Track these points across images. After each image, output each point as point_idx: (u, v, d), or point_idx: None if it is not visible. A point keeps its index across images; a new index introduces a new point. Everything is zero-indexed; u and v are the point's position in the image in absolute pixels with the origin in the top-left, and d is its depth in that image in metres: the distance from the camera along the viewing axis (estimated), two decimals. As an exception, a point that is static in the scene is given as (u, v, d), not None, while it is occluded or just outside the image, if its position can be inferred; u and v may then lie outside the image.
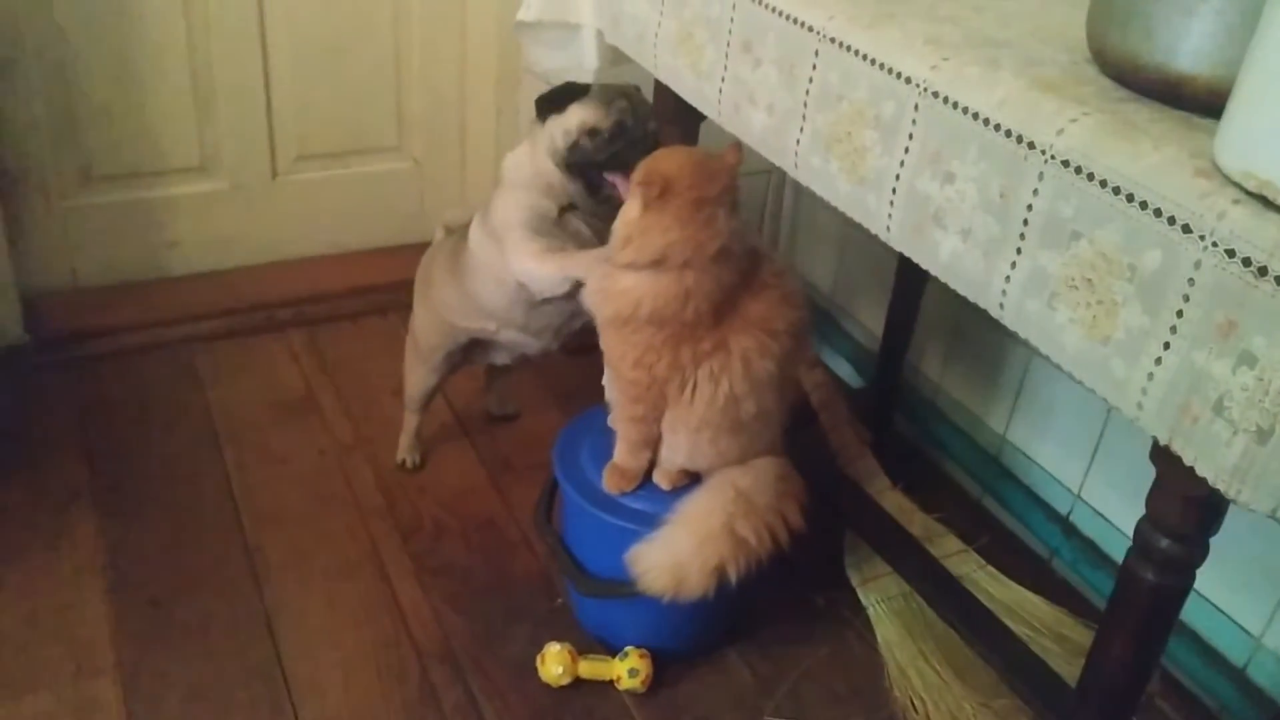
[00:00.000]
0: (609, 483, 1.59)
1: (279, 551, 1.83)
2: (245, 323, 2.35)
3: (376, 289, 2.47)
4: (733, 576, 1.49)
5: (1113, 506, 1.80)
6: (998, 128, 1.02)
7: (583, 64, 1.74)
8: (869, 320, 2.27)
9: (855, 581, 1.83)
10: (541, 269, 1.66)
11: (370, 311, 2.45)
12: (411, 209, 2.61)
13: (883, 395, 2.14)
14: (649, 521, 1.54)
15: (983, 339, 1.99)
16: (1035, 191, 0.99)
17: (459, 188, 2.64)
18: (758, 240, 1.50)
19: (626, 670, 1.62)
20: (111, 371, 2.20)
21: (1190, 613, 1.66)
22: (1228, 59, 0.93)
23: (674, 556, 1.48)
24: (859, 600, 1.81)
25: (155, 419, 2.09)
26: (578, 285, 1.60)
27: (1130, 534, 1.73)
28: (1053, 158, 0.97)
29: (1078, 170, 0.95)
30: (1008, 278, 1.03)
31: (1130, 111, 0.97)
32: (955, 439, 2.08)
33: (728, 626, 1.73)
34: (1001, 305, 1.04)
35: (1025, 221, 1.00)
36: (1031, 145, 0.99)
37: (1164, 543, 1.02)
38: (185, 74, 2.27)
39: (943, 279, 1.11)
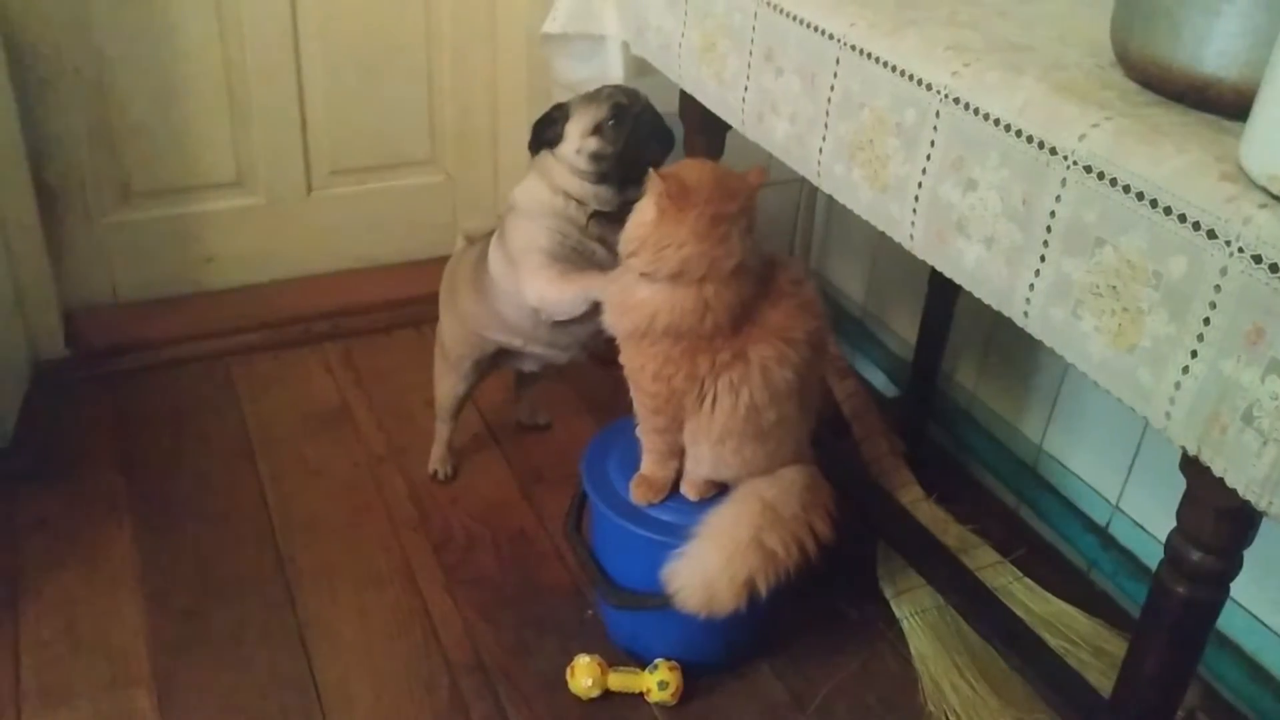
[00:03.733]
0: (636, 494, 1.59)
1: (312, 562, 1.84)
2: (281, 336, 2.37)
3: (409, 302, 2.48)
4: (762, 589, 1.48)
5: (1152, 517, 1.76)
6: (1019, 134, 1.01)
7: (608, 75, 1.75)
8: (902, 329, 2.24)
9: (888, 594, 1.81)
10: (559, 293, 1.67)
11: (404, 324, 2.46)
12: (444, 222, 2.62)
13: (916, 405, 2.12)
14: (677, 533, 1.53)
15: (1017, 347, 1.96)
16: (1058, 198, 0.97)
17: (491, 200, 2.64)
18: (772, 249, 1.49)
19: (656, 683, 1.61)
20: (149, 385, 2.23)
21: (1234, 627, 1.63)
22: (1255, 60, 0.91)
23: (703, 574, 1.47)
24: (892, 612, 1.79)
25: (192, 431, 2.12)
26: (595, 307, 1.60)
27: (1170, 545, 1.70)
28: (1075, 163, 0.95)
29: (1100, 176, 0.93)
30: (1031, 286, 1.01)
31: (1155, 115, 0.96)
32: (990, 449, 2.05)
33: (759, 639, 1.72)
34: (1026, 314, 1.03)
35: (1048, 229, 0.99)
36: (1053, 151, 0.97)
37: (1196, 555, 0.99)
38: (221, 90, 2.30)
39: (967, 287, 1.10)
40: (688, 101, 1.65)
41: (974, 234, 1.07)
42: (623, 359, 1.52)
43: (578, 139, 1.67)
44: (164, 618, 1.72)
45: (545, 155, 1.70)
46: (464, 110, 2.53)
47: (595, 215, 1.70)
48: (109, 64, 2.18)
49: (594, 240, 1.71)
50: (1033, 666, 1.53)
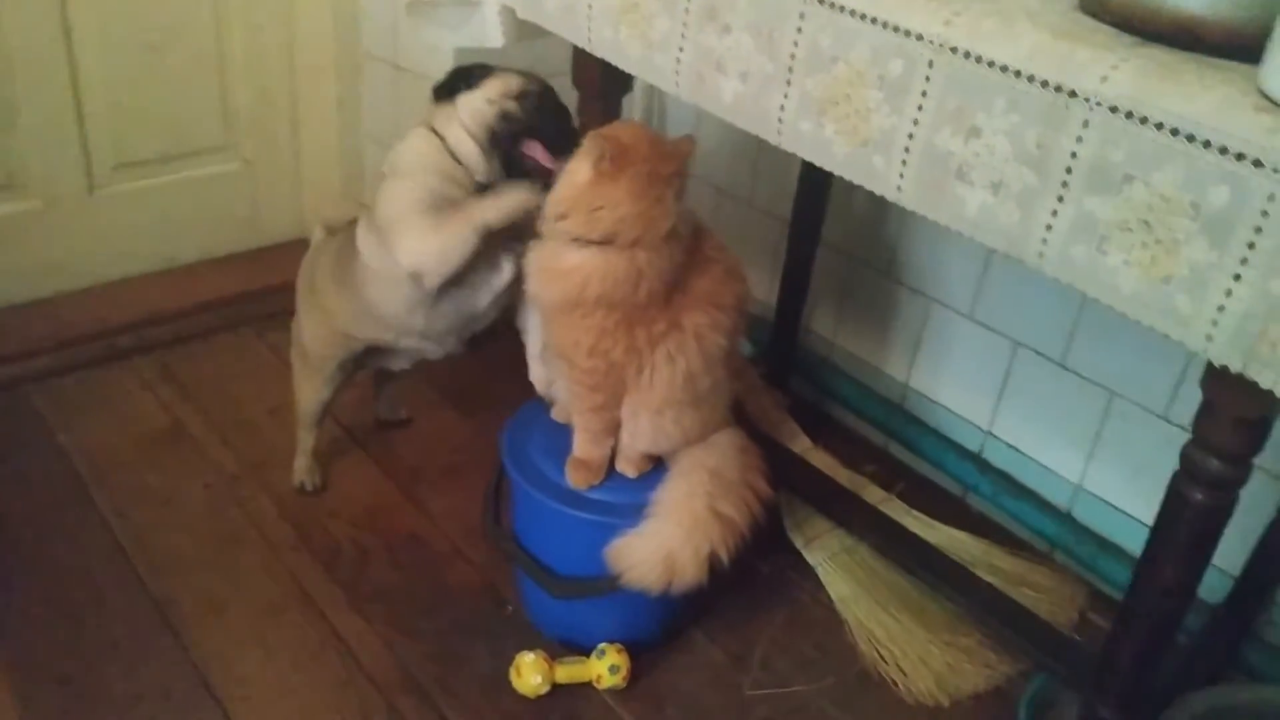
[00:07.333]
0: (574, 478, 1.53)
1: (191, 601, 1.66)
2: (82, 354, 2.11)
3: (220, 303, 2.28)
4: (725, 558, 1.47)
5: (1025, 438, 1.89)
6: (1030, 79, 1.03)
7: (485, 42, 1.65)
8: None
9: (798, 543, 1.84)
10: (441, 239, 1.55)
11: (220, 328, 2.25)
12: (245, 213, 2.41)
13: (778, 359, 2.16)
14: (618, 512, 1.49)
15: (875, 293, 2.04)
16: (1079, 139, 1.01)
17: (294, 186, 2.46)
18: (698, 218, 1.47)
19: (607, 668, 1.57)
20: (-64, 425, 1.92)
21: (1120, 532, 1.78)
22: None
23: (665, 547, 1.44)
24: (802, 561, 1.82)
25: (6, 470, 1.84)
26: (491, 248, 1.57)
27: (1045, 462, 1.83)
28: (1099, 104, 0.99)
29: (1129, 115, 0.97)
30: (1049, 226, 1.05)
31: (1156, 55, 1.00)
32: (857, 392, 2.12)
33: (697, 609, 1.70)
34: (1041, 254, 1.06)
35: (1068, 170, 1.02)
36: (1073, 94, 1.00)
37: (1214, 464, 1.06)
38: (-21, 80, 1.99)
39: (967, 233, 1.12)
40: (583, 67, 1.58)
41: (978, 180, 1.09)
42: (551, 334, 1.46)
43: (497, 95, 1.59)
44: (35, 689, 1.50)
45: (444, 108, 1.60)
46: (260, 91, 2.33)
47: (481, 188, 1.61)
48: None
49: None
50: (964, 593, 1.61)
